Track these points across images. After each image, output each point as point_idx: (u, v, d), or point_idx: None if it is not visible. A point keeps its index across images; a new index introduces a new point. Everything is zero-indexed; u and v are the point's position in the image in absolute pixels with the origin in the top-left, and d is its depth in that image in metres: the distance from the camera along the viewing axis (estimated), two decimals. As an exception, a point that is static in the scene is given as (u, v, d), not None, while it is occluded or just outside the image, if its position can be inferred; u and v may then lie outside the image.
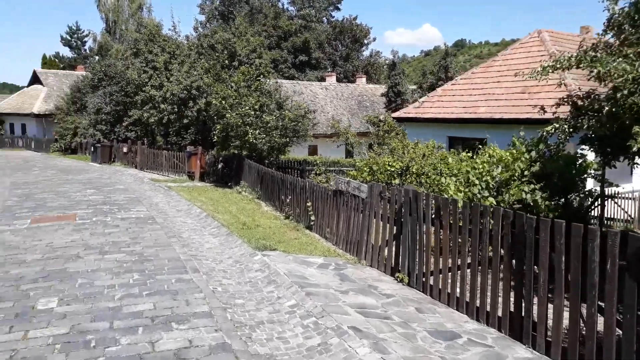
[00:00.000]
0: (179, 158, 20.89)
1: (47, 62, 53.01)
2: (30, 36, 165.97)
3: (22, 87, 48.60)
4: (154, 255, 7.91)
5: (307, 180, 12.10)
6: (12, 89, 78.11)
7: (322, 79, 47.53)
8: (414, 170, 11.96)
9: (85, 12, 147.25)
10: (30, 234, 9.28)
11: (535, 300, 5.07)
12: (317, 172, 17.79)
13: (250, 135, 16.01)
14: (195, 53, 25.16)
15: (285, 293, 6.15)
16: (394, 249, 7.58)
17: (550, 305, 4.92)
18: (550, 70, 7.39)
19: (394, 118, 19.14)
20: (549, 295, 4.96)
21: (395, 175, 13.14)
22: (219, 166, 19.88)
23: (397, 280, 7.20)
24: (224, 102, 16.33)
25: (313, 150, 32.78)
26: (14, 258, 7.61)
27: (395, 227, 7.55)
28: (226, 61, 21.08)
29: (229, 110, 16.16)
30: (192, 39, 29.50)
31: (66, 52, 61.08)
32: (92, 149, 26.93)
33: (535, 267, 5.12)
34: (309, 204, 10.61)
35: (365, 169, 17.21)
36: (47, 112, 35.48)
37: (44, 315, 5.29)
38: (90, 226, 10.06)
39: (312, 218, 10.53)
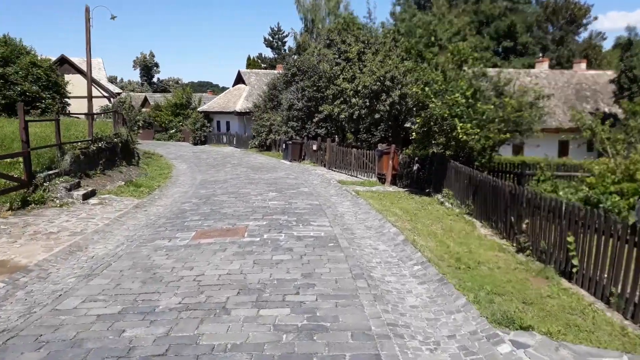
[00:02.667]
0: (369, 157, 18.30)
1: (250, 63, 56.42)
2: (239, 40, 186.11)
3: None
4: (331, 318, 5.04)
5: (555, 197, 8.11)
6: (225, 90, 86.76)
7: (531, 66, 40.76)
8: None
9: (287, 14, 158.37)
10: (185, 257, 7.32)
11: None
12: (541, 177, 13.45)
13: (459, 130, 12.41)
14: (391, 40, 22.40)
15: None
16: None
17: None
18: None
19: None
20: None
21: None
22: (414, 168, 16.68)
23: None
24: (426, 88, 13.02)
25: (517, 149, 27.32)
26: (146, 301, 5.51)
27: None
28: (432, 38, 17.72)
29: (433, 99, 12.78)
30: (388, 25, 26.84)
31: (268, 52, 64.61)
32: (284, 146, 26.29)
33: None
34: (570, 238, 6.67)
35: (609, 175, 12.35)
36: (247, 110, 36.75)
37: None
38: (258, 248, 7.76)
39: (574, 262, 6.58)
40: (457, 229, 9.63)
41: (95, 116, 23.41)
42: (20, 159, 11.21)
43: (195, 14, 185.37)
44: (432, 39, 18.29)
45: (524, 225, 8.09)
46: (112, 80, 68.08)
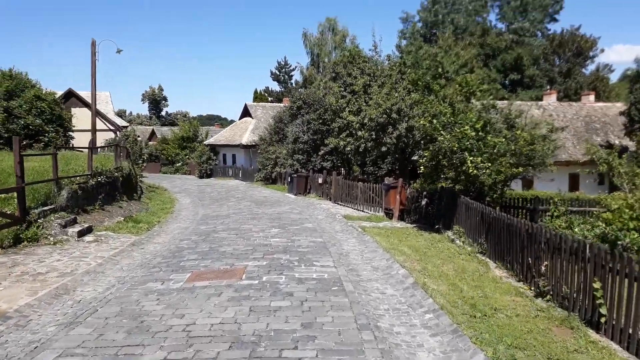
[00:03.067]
0: (375, 191, 17.82)
1: (257, 97, 56.79)
2: (247, 73, 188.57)
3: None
4: (331, 379, 4.48)
5: (577, 237, 7.53)
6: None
7: (539, 99, 40.63)
8: None
9: (293, 49, 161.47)
10: (176, 302, 6.78)
11: None
12: (555, 213, 12.87)
13: (469, 164, 11.94)
14: (397, 73, 22.23)
15: None
16: None
17: None
18: None
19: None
20: None
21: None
22: (423, 203, 16.13)
23: None
24: (434, 121, 12.63)
25: (528, 183, 26.63)
26: (128, 356, 4.96)
27: None
28: (440, 70, 17.44)
29: (441, 132, 12.37)
30: (394, 58, 26.75)
31: (275, 86, 65.14)
32: (289, 180, 25.91)
33: None
34: (597, 285, 6.09)
35: (627, 210, 11.72)
36: (253, 143, 36.60)
37: None
38: (255, 293, 7.22)
39: (602, 311, 5.98)
40: (469, 269, 9.04)
41: (98, 149, 23.24)
42: (15, 194, 10.84)
43: (203, 48, 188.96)
44: (440, 70, 18.03)
45: (542, 268, 7.51)
46: (120, 114, 68.74)
